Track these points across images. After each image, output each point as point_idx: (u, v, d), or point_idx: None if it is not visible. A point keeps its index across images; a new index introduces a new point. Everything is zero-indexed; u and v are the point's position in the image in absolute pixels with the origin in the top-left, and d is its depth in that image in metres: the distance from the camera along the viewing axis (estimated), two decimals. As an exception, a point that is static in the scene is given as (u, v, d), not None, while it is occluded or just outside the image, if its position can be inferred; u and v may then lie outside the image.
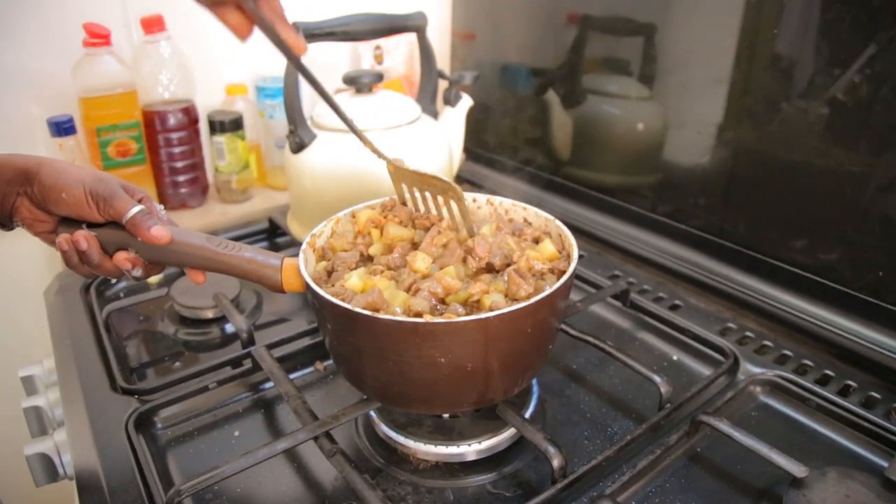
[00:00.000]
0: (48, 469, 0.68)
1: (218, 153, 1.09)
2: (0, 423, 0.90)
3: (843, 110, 0.69)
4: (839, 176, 0.71)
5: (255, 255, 0.57)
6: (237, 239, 0.99)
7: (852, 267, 0.72)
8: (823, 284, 0.74)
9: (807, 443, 0.61)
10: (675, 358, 0.73)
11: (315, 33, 0.79)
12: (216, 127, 1.07)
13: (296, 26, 0.78)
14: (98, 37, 0.93)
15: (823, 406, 0.63)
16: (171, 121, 1.03)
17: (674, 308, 0.80)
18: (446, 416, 0.61)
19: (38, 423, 0.75)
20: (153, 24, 0.98)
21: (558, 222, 0.61)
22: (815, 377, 0.68)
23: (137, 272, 0.55)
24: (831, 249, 0.74)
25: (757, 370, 0.69)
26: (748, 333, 0.75)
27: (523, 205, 0.65)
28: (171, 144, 1.04)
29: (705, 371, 0.70)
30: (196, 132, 1.08)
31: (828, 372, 0.68)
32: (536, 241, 0.61)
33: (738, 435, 0.55)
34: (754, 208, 0.81)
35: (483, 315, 0.48)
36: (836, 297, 0.73)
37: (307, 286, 0.53)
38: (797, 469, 0.51)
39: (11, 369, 0.82)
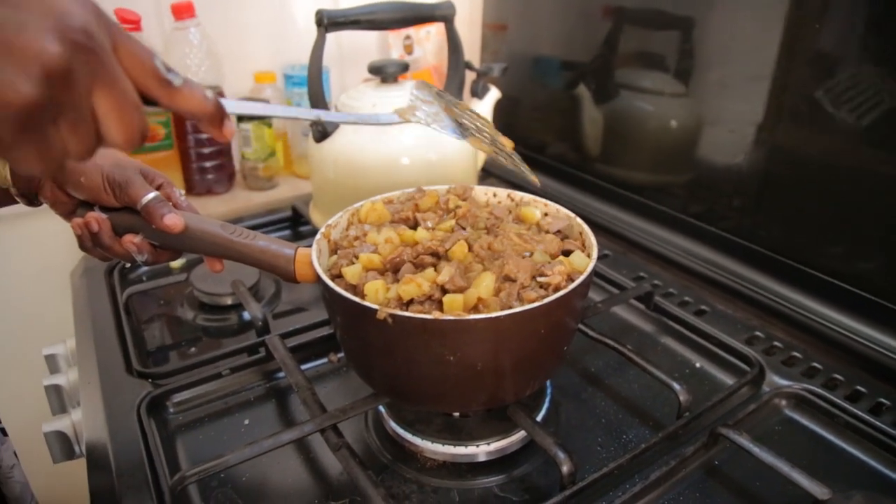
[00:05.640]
0: (65, 447, 0.69)
1: (244, 140, 1.09)
2: (25, 398, 0.92)
3: (889, 111, 0.65)
4: (882, 180, 0.67)
5: (269, 245, 0.56)
6: (260, 227, 1.00)
7: (891, 278, 0.68)
8: (859, 295, 0.71)
9: (832, 462, 0.58)
10: (697, 365, 0.70)
11: (340, 21, 0.78)
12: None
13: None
14: (129, 22, 0.93)
15: (852, 424, 0.60)
16: (200, 107, 1.03)
17: (699, 313, 0.77)
18: (456, 414, 0.60)
19: (59, 401, 0.76)
20: (183, 11, 0.98)
21: (579, 220, 0.60)
22: (845, 393, 0.64)
23: (142, 257, 0.55)
24: (870, 258, 0.70)
25: (783, 382, 0.66)
26: (776, 343, 0.72)
27: (544, 200, 0.63)
28: (198, 130, 1.05)
29: (729, 381, 0.68)
30: (224, 119, 1.08)
31: (859, 388, 0.65)
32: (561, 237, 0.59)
33: (757, 451, 0.52)
34: (789, 212, 0.77)
35: (493, 314, 0.46)
36: (871, 309, 0.70)
37: (318, 277, 0.52)
38: (819, 491, 0.49)
39: (38, 347, 0.84)
